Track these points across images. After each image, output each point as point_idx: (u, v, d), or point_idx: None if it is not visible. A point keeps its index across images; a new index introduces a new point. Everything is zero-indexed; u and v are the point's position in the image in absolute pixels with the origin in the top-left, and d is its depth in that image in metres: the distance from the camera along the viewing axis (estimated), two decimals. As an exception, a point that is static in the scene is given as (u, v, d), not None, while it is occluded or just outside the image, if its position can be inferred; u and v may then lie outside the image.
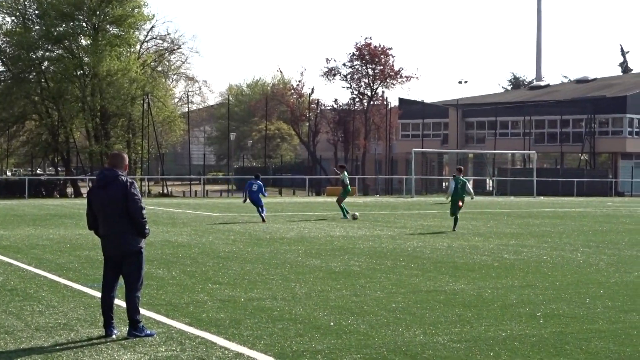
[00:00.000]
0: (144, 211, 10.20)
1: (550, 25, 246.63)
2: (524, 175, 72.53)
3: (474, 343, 9.90)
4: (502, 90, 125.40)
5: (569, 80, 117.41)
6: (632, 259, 19.16)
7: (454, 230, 26.50)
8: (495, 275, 15.95)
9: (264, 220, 30.18)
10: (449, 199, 27.93)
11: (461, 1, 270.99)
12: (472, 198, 30.31)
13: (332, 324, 10.94)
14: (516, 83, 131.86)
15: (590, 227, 29.59)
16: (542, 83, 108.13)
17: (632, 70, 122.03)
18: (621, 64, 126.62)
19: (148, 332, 10.13)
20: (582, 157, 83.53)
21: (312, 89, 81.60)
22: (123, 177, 10.22)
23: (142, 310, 10.46)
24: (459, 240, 23.29)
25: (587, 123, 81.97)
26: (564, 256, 19.50)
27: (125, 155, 10.66)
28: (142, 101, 67.15)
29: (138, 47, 71.59)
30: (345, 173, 34.08)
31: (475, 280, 15.14)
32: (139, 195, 10.26)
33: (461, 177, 27.54)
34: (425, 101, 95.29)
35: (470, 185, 30.88)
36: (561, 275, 16.06)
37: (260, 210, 30.89)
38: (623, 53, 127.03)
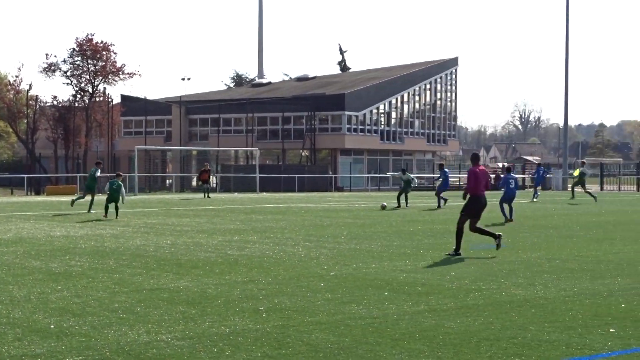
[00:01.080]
0: None
1: (271, 24, 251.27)
2: (247, 171, 73.39)
3: (197, 340, 9.89)
4: (225, 88, 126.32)
5: (290, 78, 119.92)
6: (351, 251, 19.80)
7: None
8: (219, 271, 16.03)
9: None
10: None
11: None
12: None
13: (52, 326, 10.60)
14: (239, 80, 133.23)
15: (312, 221, 30.34)
16: (264, 81, 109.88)
17: (350, 68, 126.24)
18: (340, 63, 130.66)
19: None
20: (303, 154, 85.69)
21: (30, 85, 78.75)
22: None
23: None
24: (183, 238, 23.24)
25: (308, 120, 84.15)
26: (286, 251, 19.88)
27: None
28: None
29: None
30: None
31: (199, 277, 15.14)
32: None
33: None
34: (148, 98, 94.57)
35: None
36: (283, 269, 16.36)
37: None
38: (342, 52, 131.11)
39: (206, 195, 53.44)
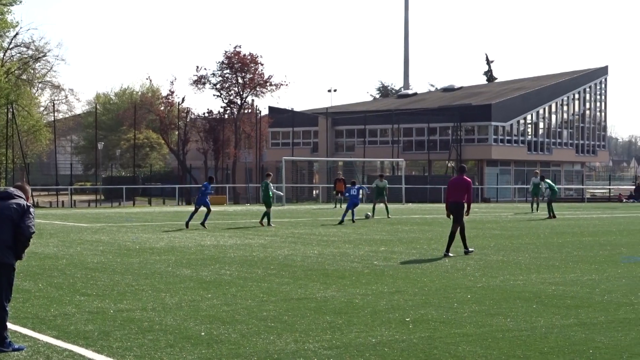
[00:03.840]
0: (32, 236, 10.06)
1: (417, 35, 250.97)
2: (393, 182, 73.32)
3: (344, 349, 9.96)
4: (370, 99, 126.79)
5: (436, 88, 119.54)
6: (498, 263, 19.60)
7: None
8: (366, 281, 16.09)
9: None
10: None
11: (330, 10, 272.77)
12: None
13: (203, 333, 10.86)
14: (385, 91, 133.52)
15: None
16: (409, 91, 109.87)
17: (496, 79, 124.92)
18: (486, 73, 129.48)
19: (16, 346, 9.87)
20: (449, 164, 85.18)
21: (183, 98, 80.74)
22: (23, 200, 10.21)
23: (7, 324, 10.17)
24: (330, 248, 23.42)
25: (454, 131, 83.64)
26: (433, 262, 19.82)
27: (28, 188, 10.64)
28: (6, 110, 65.51)
29: (1, 54, 69.87)
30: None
31: (345, 287, 15.23)
32: (34, 221, 10.13)
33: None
34: (295, 109, 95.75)
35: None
36: (429, 280, 16.31)
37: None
38: (488, 62, 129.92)
39: (337, 205, 53.50)
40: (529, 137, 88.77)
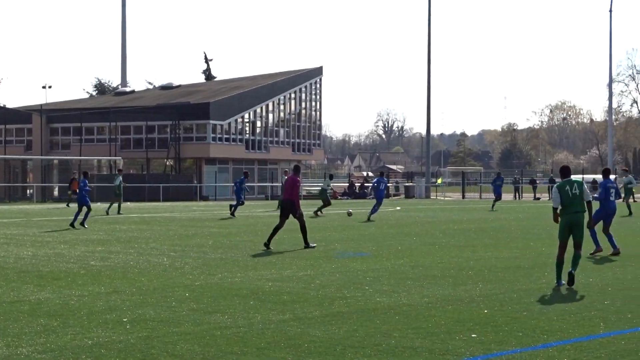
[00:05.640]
0: None
1: (135, 31, 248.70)
2: (110, 181, 72.25)
3: (59, 352, 9.68)
4: (87, 96, 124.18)
5: (154, 86, 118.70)
6: (216, 261, 19.72)
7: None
8: (82, 282, 15.73)
9: None
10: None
11: (49, 4, 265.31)
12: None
13: None
14: (101, 89, 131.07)
15: (176, 231, 30.10)
16: (127, 89, 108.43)
17: (215, 77, 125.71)
18: (205, 71, 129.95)
19: None
20: (167, 163, 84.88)
21: None
22: None
23: None
24: (44, 249, 22.73)
25: (172, 129, 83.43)
26: (151, 261, 19.66)
27: None
28: None
29: None
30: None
31: (61, 289, 14.82)
32: None
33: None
34: (8, 106, 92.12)
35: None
36: (148, 280, 16.17)
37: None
38: (207, 60, 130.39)
39: (68, 204, 52.60)
40: (247, 135, 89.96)
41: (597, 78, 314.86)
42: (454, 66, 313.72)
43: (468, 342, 10.35)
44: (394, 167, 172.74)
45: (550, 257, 20.57)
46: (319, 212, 41.44)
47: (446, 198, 79.67)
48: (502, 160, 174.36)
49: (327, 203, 42.71)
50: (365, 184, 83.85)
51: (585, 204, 15.59)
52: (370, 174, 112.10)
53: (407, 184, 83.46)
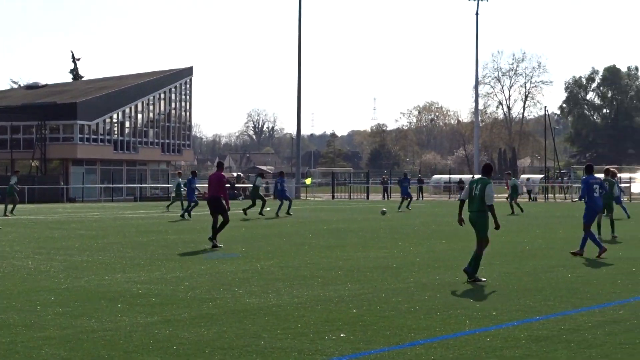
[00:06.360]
0: None
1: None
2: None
3: None
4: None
5: (20, 86, 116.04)
6: (83, 264, 19.37)
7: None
8: (-58, 287, 15.24)
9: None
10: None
11: None
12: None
13: None
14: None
15: (42, 233, 29.48)
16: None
17: (83, 77, 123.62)
18: (72, 71, 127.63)
19: None
20: (33, 164, 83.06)
21: None
22: None
23: None
24: None
25: (38, 129, 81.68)
26: (15, 264, 19.20)
27: None
28: None
29: None
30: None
31: None
32: None
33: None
34: None
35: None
36: (12, 284, 15.77)
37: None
38: (74, 60, 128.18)
39: None
40: (116, 136, 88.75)
41: (464, 80, 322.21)
42: (324, 67, 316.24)
43: (337, 342, 10.42)
44: (264, 167, 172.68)
45: (418, 256, 20.96)
46: (257, 213, 41.66)
47: (316, 198, 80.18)
48: (371, 160, 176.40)
49: (263, 202, 42.58)
50: (236, 185, 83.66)
51: (487, 207, 15.99)
52: (241, 174, 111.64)
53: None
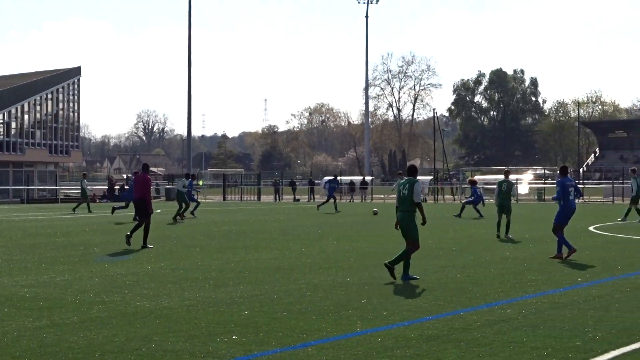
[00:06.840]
0: None
1: None
2: None
3: None
4: None
5: None
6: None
7: None
8: None
9: None
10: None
11: None
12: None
13: None
14: None
15: None
16: None
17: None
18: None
19: None
20: None
21: None
22: None
23: None
24: None
25: None
26: None
27: None
28: None
29: None
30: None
31: None
32: None
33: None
34: None
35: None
36: None
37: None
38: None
39: None
40: (1, 137, 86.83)
41: (355, 81, 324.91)
42: (215, 67, 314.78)
43: (229, 344, 10.39)
44: (154, 169, 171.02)
45: (309, 257, 21.05)
46: (178, 217, 39.61)
47: (207, 200, 79.75)
48: (262, 162, 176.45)
49: (186, 205, 41.08)
50: (125, 187, 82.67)
51: (416, 205, 16.56)
52: (131, 175, 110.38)
53: (168, 186, 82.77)
